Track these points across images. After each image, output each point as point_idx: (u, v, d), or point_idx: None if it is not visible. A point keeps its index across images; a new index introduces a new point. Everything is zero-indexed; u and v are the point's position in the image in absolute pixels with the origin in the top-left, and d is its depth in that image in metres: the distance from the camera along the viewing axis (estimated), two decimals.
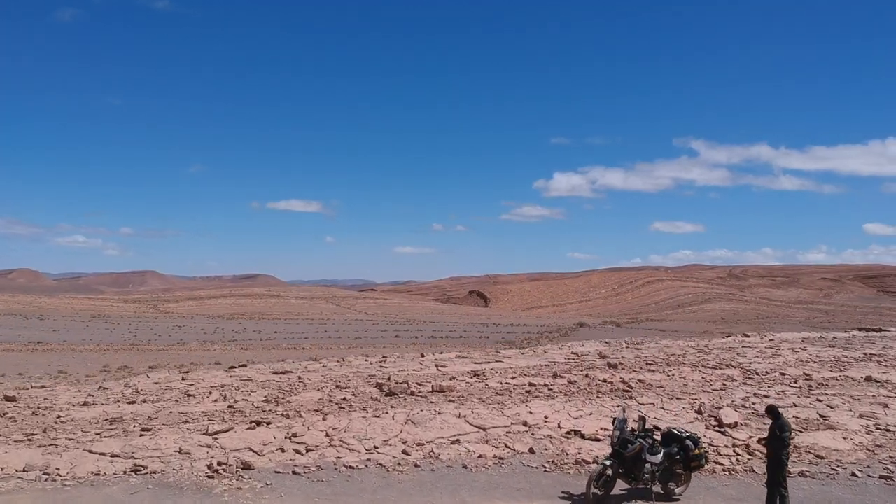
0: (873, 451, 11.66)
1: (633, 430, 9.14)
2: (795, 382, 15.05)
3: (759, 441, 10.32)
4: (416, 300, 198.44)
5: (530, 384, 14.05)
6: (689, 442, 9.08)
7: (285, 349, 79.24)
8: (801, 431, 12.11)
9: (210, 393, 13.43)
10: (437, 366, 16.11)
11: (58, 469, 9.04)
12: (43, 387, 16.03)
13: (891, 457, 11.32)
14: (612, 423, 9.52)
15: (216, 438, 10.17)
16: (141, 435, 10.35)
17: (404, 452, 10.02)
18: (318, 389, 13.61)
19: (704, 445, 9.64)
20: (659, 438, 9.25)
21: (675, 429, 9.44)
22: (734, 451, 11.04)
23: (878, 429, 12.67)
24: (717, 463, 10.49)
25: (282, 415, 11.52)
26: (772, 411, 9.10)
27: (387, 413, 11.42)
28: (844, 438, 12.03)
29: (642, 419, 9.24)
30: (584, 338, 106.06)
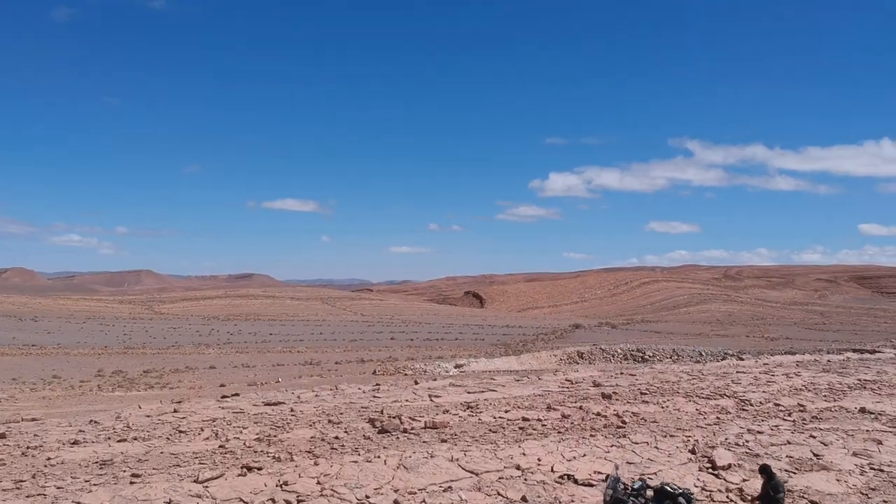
0: (867, 494, 11.61)
1: (625, 486, 9.08)
2: (790, 415, 15.04)
3: (752, 500, 10.28)
4: (411, 301, 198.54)
5: (524, 419, 14.00)
6: (682, 499, 9.02)
7: (280, 352, 79.27)
8: (794, 472, 12.08)
9: (202, 430, 13.33)
10: (430, 396, 16.05)
11: None
12: (34, 419, 15.89)
13: (885, 501, 11.27)
14: (605, 479, 9.46)
15: (206, 487, 10.07)
16: (131, 482, 10.24)
17: (395, 502, 9.94)
18: (311, 425, 13.53)
19: (696, 501, 9.57)
20: (652, 495, 9.18)
21: (667, 485, 9.38)
22: (727, 496, 10.98)
23: (871, 468, 12.63)
24: None
25: (273, 457, 11.43)
26: (765, 471, 9.05)
27: (378, 457, 11.33)
28: (838, 480, 11.98)
29: (642, 482, 9.16)
30: (580, 339, 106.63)
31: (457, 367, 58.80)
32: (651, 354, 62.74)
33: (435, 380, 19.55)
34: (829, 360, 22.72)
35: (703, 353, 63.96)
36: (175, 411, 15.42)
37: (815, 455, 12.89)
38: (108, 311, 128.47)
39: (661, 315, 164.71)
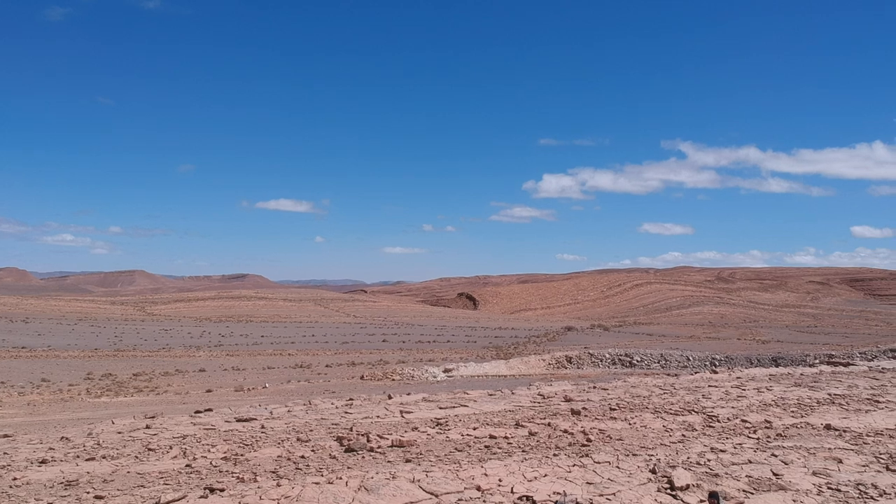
0: None
1: None
2: (755, 432, 15.25)
3: None
4: (405, 302, 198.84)
5: (490, 436, 14.19)
6: None
7: (271, 355, 79.40)
8: (752, 493, 12.27)
9: (170, 447, 13.48)
10: (401, 412, 16.21)
11: None
12: (6, 436, 16.01)
13: None
14: None
15: None
16: None
17: None
18: (279, 444, 13.69)
19: None
20: None
21: None
22: None
23: (829, 488, 12.83)
24: None
25: (237, 478, 11.57)
26: (713, 497, 9.25)
27: (340, 478, 11.50)
28: (794, 501, 12.17)
29: None
30: (572, 342, 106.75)
31: (445, 371, 58.91)
32: (639, 359, 63.08)
33: (408, 394, 19.70)
34: (802, 374, 22.93)
35: (691, 358, 64.23)
36: (147, 427, 15.55)
37: (775, 474, 13.09)
38: (99, 313, 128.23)
39: (653, 317, 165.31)
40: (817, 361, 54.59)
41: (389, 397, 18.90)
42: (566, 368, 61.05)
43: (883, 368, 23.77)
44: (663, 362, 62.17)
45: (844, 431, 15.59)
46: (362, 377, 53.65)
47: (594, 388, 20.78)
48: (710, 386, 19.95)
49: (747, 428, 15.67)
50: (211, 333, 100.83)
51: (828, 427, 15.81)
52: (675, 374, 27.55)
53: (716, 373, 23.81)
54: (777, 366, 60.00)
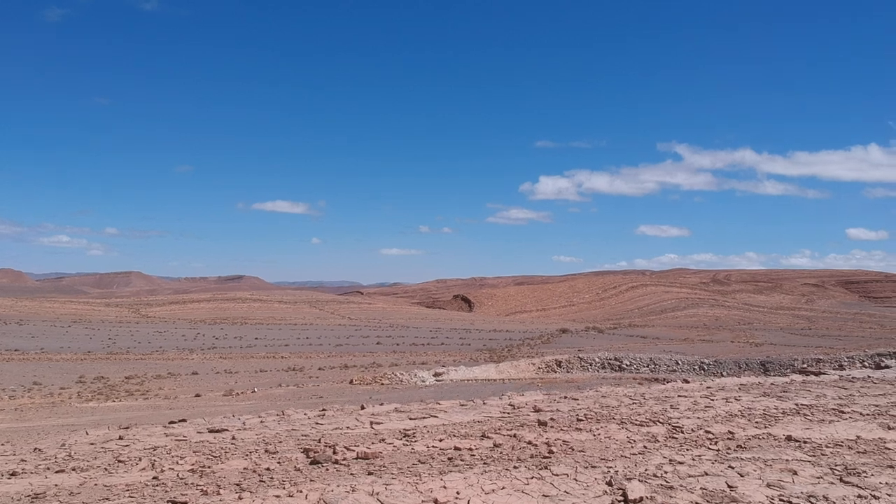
0: None
1: None
2: (716, 444, 15.57)
3: None
4: (400, 304, 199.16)
5: (455, 448, 14.50)
6: None
7: (264, 358, 79.58)
8: None
9: (140, 459, 13.78)
10: (371, 423, 16.51)
11: None
12: None
13: None
14: None
15: None
16: None
17: None
18: (247, 455, 14.00)
19: None
20: None
21: None
22: None
23: (781, 500, 13.12)
24: None
25: (201, 491, 11.87)
26: None
27: (301, 491, 11.80)
28: None
29: None
30: (566, 345, 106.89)
31: (435, 375, 59.22)
32: (628, 363, 63.40)
33: (381, 404, 20.00)
34: (772, 384, 23.23)
35: (680, 362, 64.52)
36: (120, 438, 15.85)
37: (730, 486, 13.38)
38: (94, 314, 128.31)
39: (648, 319, 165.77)
40: (805, 366, 54.93)
41: (362, 407, 19.17)
42: (556, 372, 61.38)
43: (853, 378, 24.08)
44: (652, 366, 62.48)
45: (804, 442, 15.91)
46: (351, 381, 53.93)
47: (565, 398, 21.05)
48: (679, 396, 20.23)
49: (709, 439, 15.99)
50: (205, 336, 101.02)
51: (789, 438, 16.13)
52: (656, 380, 27.85)
53: (687, 381, 24.13)
54: (766, 370, 60.29)
